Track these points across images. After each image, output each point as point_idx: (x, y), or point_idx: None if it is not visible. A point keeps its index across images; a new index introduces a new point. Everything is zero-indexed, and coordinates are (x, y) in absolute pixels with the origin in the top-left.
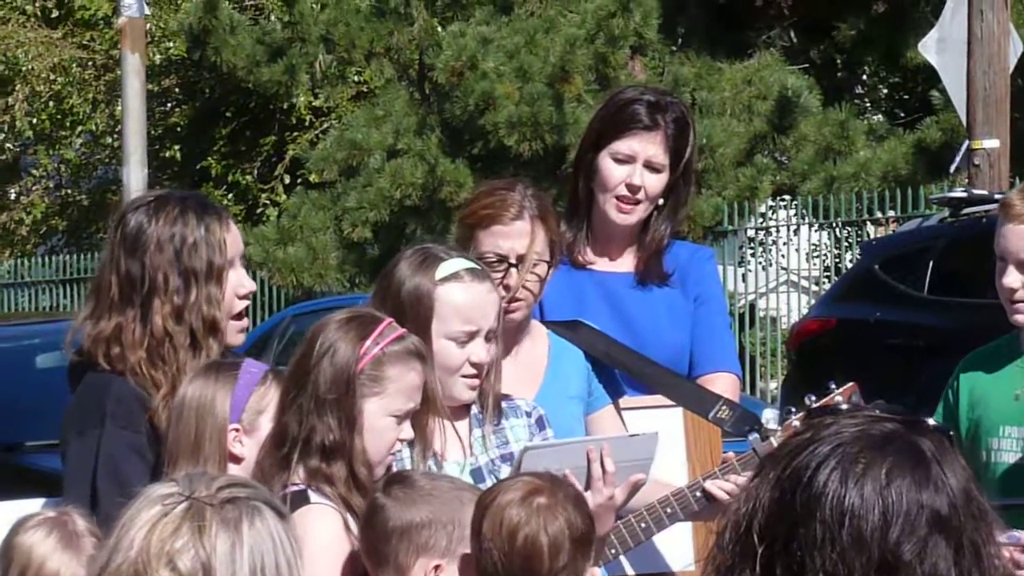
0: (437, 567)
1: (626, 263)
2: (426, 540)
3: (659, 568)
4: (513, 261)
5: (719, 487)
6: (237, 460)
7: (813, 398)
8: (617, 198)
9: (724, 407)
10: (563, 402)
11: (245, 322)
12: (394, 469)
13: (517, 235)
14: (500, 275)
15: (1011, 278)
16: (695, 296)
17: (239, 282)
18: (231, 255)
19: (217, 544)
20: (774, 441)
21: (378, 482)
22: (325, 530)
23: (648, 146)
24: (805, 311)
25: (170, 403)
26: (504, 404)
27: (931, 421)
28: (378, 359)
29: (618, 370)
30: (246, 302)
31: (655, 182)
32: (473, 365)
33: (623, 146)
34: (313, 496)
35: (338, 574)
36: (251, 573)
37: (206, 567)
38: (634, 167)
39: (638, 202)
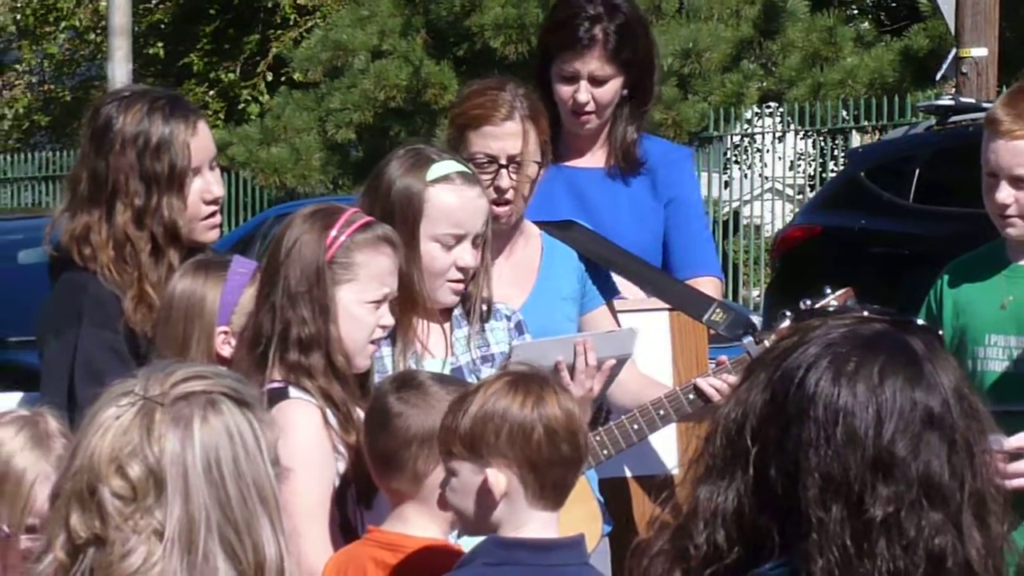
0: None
1: (596, 158)
2: None
3: (651, 470)
4: (503, 162)
5: (711, 385)
6: (226, 362)
7: (808, 302)
8: (572, 112)
9: (718, 310)
10: (555, 303)
11: (217, 219)
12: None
13: (507, 136)
14: (490, 176)
15: (1004, 194)
16: (669, 199)
17: (206, 188)
18: (197, 161)
19: (166, 446)
20: (768, 345)
21: (360, 376)
22: (306, 424)
23: (589, 62)
24: (788, 219)
25: (140, 307)
26: (484, 307)
27: (920, 321)
28: (346, 246)
29: (611, 271)
30: (215, 207)
31: (603, 92)
32: (459, 269)
33: (566, 66)
34: (292, 391)
35: (320, 468)
36: (205, 471)
37: (155, 471)
38: (579, 84)
39: (590, 113)
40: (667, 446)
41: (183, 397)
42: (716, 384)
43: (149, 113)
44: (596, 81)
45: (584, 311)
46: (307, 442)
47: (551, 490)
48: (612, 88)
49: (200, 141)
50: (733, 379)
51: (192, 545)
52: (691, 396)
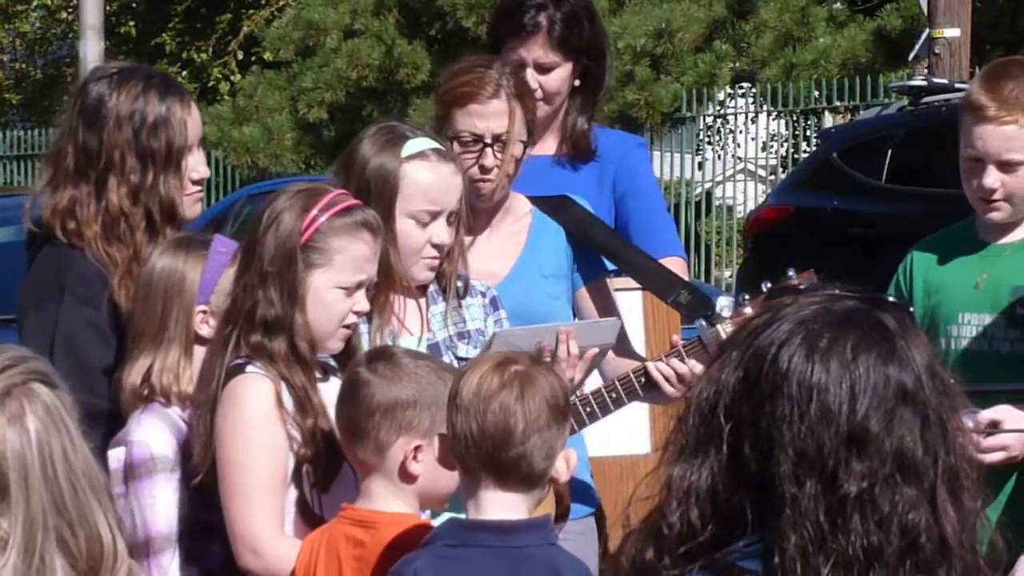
0: (417, 447)
1: (547, 147)
2: (410, 420)
3: (614, 452)
4: (488, 141)
5: (659, 370)
6: (204, 342)
7: (770, 285)
8: None
9: (684, 292)
10: (536, 280)
11: (200, 193)
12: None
13: (493, 115)
14: (475, 155)
15: (992, 178)
16: (626, 190)
17: (194, 166)
18: (191, 139)
19: (6, 448)
20: (721, 329)
21: (341, 354)
22: (257, 399)
23: (533, 49)
24: (761, 200)
25: (127, 283)
26: (460, 284)
27: (891, 298)
28: (323, 230)
29: (590, 248)
30: (199, 187)
31: (550, 80)
32: (434, 246)
33: (511, 54)
34: (250, 367)
35: (271, 441)
36: (42, 469)
37: None
38: (526, 72)
39: (538, 100)
40: (640, 429)
41: (7, 392)
42: (664, 370)
43: (145, 91)
44: (542, 68)
45: (576, 287)
46: (256, 416)
47: (489, 469)
48: (559, 76)
49: (193, 119)
50: (681, 366)
51: (30, 547)
52: (643, 380)
